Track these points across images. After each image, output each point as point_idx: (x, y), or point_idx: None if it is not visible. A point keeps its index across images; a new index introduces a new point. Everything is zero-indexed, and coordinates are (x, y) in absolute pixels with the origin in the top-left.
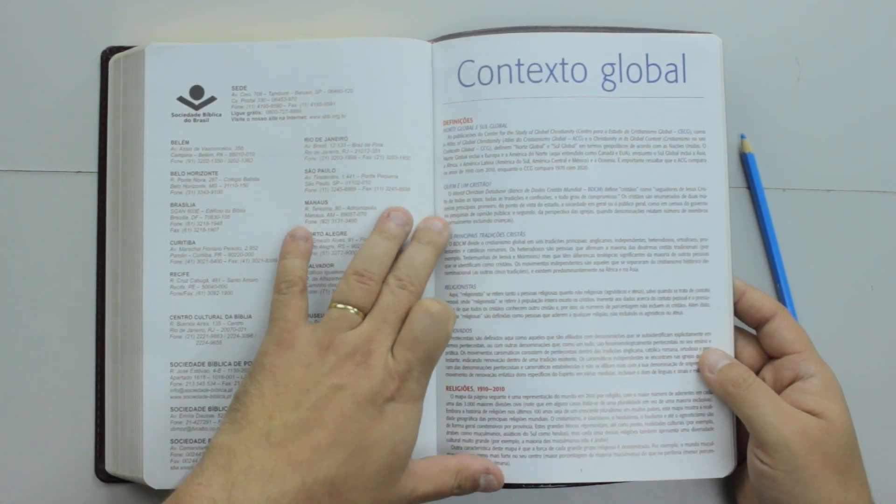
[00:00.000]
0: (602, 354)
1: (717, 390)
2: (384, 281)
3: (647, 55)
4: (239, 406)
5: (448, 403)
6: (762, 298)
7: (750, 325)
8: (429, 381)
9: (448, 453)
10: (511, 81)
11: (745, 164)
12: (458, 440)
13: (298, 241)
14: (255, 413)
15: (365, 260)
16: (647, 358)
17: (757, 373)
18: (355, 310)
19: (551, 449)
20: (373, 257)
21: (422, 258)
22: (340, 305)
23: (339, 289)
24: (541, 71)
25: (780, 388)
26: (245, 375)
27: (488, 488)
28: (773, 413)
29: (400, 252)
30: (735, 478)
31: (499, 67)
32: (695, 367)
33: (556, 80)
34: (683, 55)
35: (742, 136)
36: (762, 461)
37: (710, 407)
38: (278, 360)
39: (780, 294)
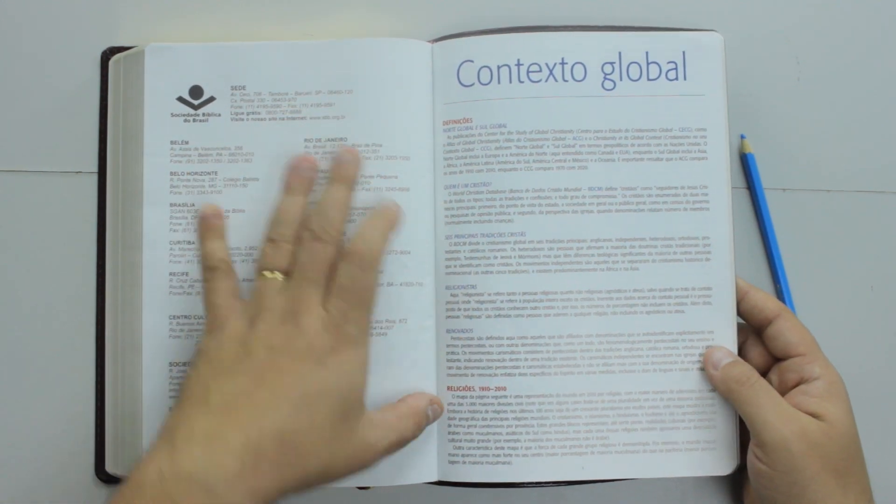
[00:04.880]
0: (603, 353)
1: (720, 387)
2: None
3: (647, 53)
4: (180, 392)
5: (449, 404)
6: (765, 299)
7: (753, 325)
8: (370, 325)
9: (449, 453)
10: (511, 81)
11: (745, 164)
12: (460, 440)
13: (210, 220)
14: (191, 390)
15: (274, 225)
16: (647, 356)
17: (764, 374)
18: (280, 274)
19: (553, 447)
20: (281, 221)
21: (332, 199)
22: (265, 273)
23: (259, 258)
24: (540, 71)
25: (784, 391)
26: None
27: (436, 417)
28: (773, 413)
29: None
30: (741, 477)
31: (498, 67)
32: (697, 366)
33: (556, 80)
34: (684, 53)
35: (742, 137)
36: (761, 461)
37: (712, 405)
38: (211, 343)
39: (780, 294)
